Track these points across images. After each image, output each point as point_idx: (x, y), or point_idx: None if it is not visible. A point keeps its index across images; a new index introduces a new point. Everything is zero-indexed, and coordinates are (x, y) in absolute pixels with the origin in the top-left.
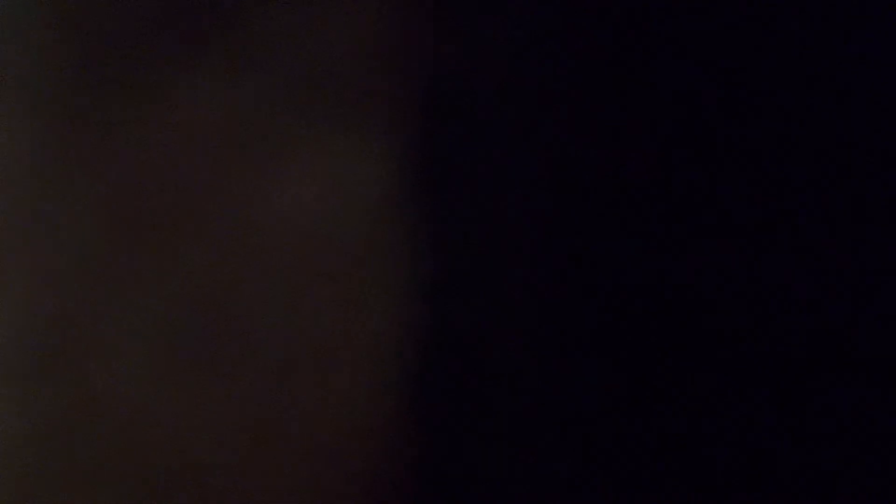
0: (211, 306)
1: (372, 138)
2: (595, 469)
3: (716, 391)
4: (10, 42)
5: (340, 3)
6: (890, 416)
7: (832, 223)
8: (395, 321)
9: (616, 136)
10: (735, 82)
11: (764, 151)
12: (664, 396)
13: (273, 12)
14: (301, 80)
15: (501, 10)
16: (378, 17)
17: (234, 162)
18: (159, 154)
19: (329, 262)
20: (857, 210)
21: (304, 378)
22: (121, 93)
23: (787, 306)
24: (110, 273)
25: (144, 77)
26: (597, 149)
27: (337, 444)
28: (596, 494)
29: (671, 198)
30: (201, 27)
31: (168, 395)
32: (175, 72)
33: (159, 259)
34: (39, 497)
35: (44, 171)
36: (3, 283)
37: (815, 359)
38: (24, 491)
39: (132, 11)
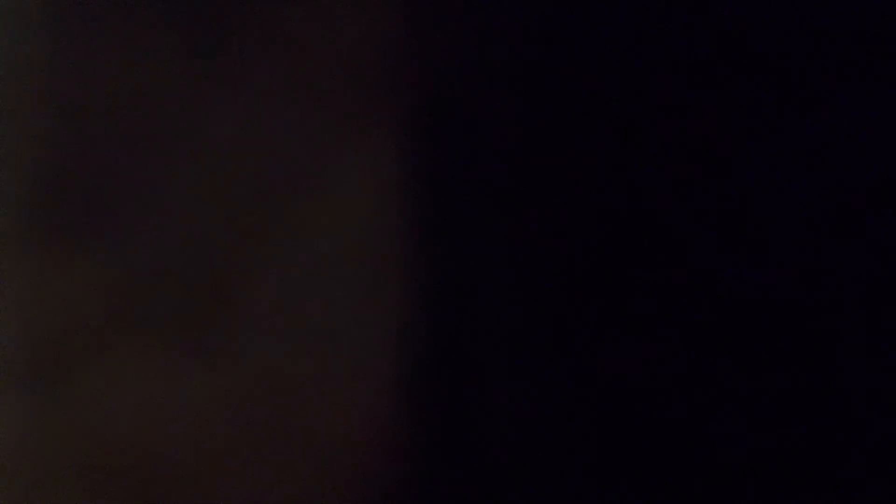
0: (210, 305)
1: (372, 140)
2: (592, 466)
3: (712, 390)
4: (16, 44)
5: (342, 7)
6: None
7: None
8: (393, 319)
9: (615, 136)
10: (733, 85)
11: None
12: (661, 395)
13: (275, 16)
14: (302, 83)
15: (502, 13)
16: (379, 21)
17: (233, 160)
18: (160, 154)
19: (328, 261)
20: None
21: (302, 377)
22: (123, 93)
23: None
24: (110, 270)
25: (149, 79)
26: (595, 150)
27: (335, 441)
28: (594, 493)
29: (670, 199)
30: (208, 31)
31: (166, 395)
32: (179, 75)
33: (158, 258)
34: (39, 497)
35: (43, 172)
36: (2, 283)
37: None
38: (24, 491)
39: (138, 14)
